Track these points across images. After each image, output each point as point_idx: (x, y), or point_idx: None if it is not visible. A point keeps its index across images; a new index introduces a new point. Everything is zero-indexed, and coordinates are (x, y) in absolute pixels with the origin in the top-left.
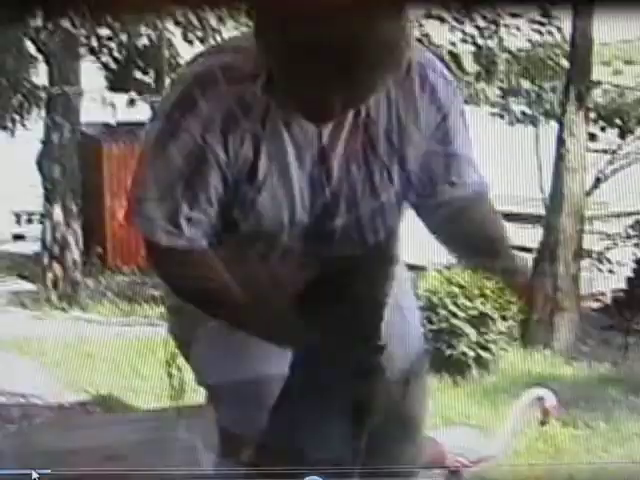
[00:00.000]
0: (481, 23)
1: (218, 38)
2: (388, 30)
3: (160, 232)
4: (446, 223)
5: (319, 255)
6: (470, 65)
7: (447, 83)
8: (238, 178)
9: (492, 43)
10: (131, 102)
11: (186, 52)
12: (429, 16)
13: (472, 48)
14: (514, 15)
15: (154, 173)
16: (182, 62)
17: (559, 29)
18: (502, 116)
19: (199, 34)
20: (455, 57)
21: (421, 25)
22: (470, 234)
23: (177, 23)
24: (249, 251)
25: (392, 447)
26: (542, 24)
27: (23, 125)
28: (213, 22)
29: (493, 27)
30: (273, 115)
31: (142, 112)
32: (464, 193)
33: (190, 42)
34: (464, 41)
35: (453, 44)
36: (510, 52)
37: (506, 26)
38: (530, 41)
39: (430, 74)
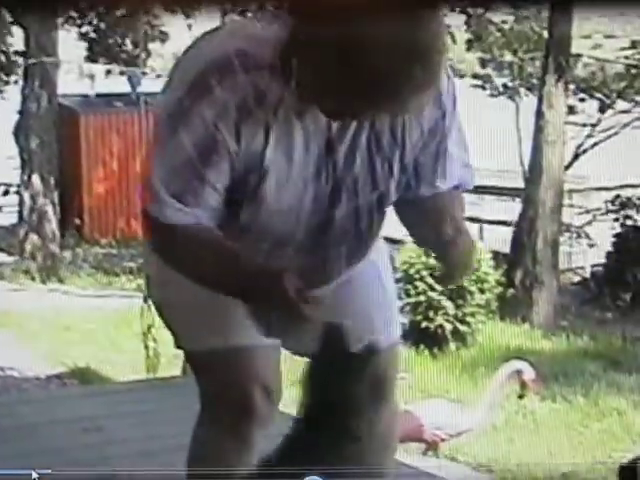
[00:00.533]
0: None
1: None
2: (425, 41)
3: (167, 209)
4: (419, 215)
5: (316, 244)
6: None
7: (449, 82)
8: (246, 166)
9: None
10: (108, 72)
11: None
12: None
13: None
14: None
15: (165, 156)
16: (162, 32)
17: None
18: (484, 88)
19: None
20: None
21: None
22: (435, 228)
23: None
24: (251, 237)
25: (366, 414)
26: None
27: (0, 95)
28: None
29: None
30: (286, 105)
31: (119, 83)
32: (444, 189)
33: (173, 12)
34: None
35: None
36: (493, 23)
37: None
38: (513, 13)
39: (444, 79)
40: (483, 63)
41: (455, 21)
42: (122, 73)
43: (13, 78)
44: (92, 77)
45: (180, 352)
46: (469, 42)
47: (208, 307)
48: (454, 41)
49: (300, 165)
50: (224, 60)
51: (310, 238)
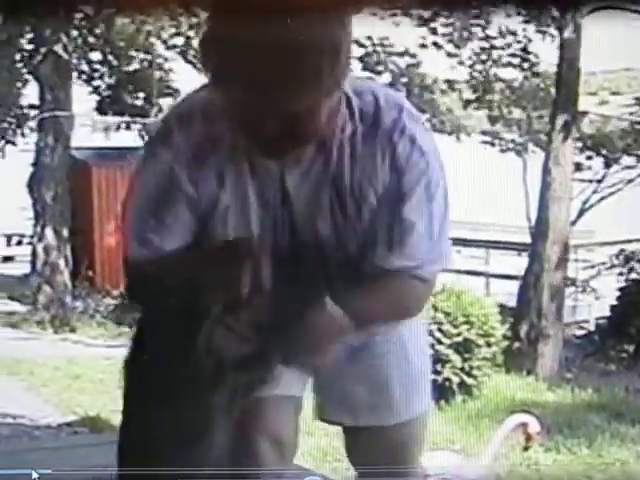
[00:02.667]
0: (476, 49)
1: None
2: (319, 53)
3: (133, 245)
4: (369, 289)
5: (285, 288)
6: (465, 93)
7: (417, 154)
8: (204, 210)
9: (486, 70)
10: (120, 126)
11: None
12: (423, 46)
13: (467, 76)
14: (508, 46)
15: (132, 196)
16: (174, 86)
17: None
18: (492, 144)
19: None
20: (451, 83)
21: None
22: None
23: (168, 47)
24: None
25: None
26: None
27: (14, 145)
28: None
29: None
30: (239, 153)
31: (132, 136)
32: (397, 265)
33: (192, 63)
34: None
35: (452, 68)
36: (502, 81)
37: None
38: (522, 69)
39: (398, 139)
40: (491, 119)
41: (461, 77)
42: (129, 127)
43: (27, 131)
44: (106, 129)
45: None
46: (477, 100)
47: None
48: (461, 98)
49: (256, 212)
50: (186, 109)
51: (277, 286)
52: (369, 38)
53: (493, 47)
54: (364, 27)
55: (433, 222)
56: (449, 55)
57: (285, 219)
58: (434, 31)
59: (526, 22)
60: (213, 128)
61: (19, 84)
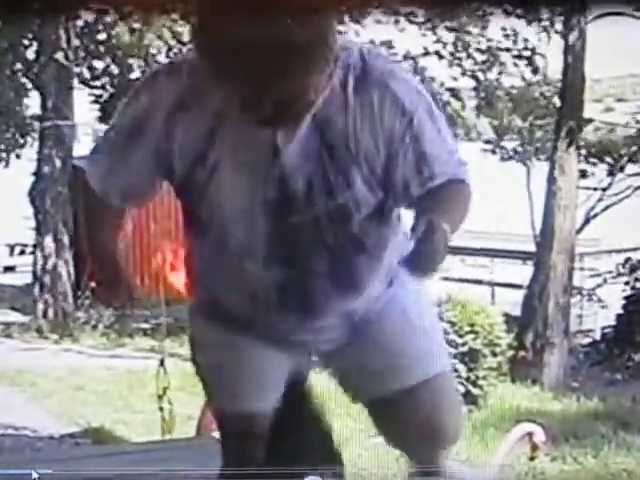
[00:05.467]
0: (479, 58)
1: None
2: (310, 30)
3: (91, 176)
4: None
5: (282, 254)
6: (468, 100)
7: (409, 89)
8: (187, 160)
9: (490, 78)
10: None
11: None
12: (426, 53)
13: (471, 83)
14: (508, 50)
15: (106, 129)
16: None
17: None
18: (494, 152)
19: None
20: (453, 91)
21: (416, 60)
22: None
23: (169, 55)
24: (208, 245)
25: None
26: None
27: (17, 157)
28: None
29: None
30: (230, 117)
31: None
32: (435, 184)
33: None
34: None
35: (454, 79)
36: (503, 89)
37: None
38: (524, 79)
39: (391, 82)
40: (495, 128)
41: (465, 84)
42: None
43: (29, 140)
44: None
45: (194, 414)
46: (478, 108)
47: (242, 371)
48: (463, 107)
49: (248, 168)
50: (174, 63)
51: (274, 248)
52: (371, 42)
53: (496, 54)
54: (368, 31)
55: (446, 137)
56: (451, 63)
57: (276, 174)
58: (438, 39)
59: (530, 27)
60: (201, 88)
61: (22, 93)
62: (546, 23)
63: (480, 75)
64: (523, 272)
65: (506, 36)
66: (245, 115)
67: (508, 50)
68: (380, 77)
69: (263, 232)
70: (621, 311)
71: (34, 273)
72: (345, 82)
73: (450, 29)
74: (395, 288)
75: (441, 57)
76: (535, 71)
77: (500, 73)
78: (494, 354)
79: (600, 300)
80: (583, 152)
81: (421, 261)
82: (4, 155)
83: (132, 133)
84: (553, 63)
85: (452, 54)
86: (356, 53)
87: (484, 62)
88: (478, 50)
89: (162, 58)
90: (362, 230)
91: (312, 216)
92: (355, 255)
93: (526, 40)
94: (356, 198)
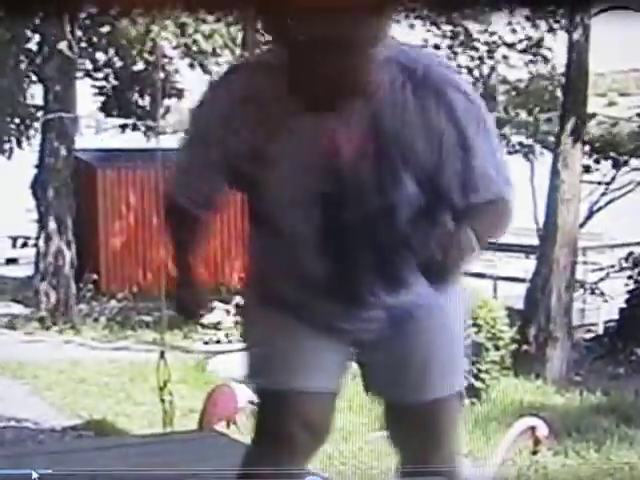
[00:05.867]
0: (478, 53)
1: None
2: (365, 29)
3: (173, 195)
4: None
5: (332, 246)
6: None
7: (466, 101)
8: (249, 160)
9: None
10: (125, 127)
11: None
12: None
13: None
14: (510, 46)
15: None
16: (178, 86)
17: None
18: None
19: (200, 58)
20: None
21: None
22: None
23: (173, 47)
24: (266, 234)
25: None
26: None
27: (20, 148)
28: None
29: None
30: (290, 108)
31: (136, 138)
32: (478, 200)
33: (191, 66)
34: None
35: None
36: (508, 83)
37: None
38: (529, 72)
39: (449, 91)
40: (498, 122)
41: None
42: (137, 128)
43: (32, 132)
44: (108, 131)
45: (195, 406)
46: (486, 101)
47: (282, 350)
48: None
49: (307, 164)
50: (228, 68)
51: (326, 240)
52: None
53: (501, 47)
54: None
55: (496, 155)
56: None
57: (333, 171)
58: (443, 33)
59: (534, 23)
60: (257, 81)
61: (24, 85)
62: (550, 18)
63: (483, 69)
64: (526, 266)
65: (513, 31)
66: (303, 104)
67: (512, 45)
68: (439, 85)
69: (317, 225)
70: (624, 305)
71: (36, 265)
72: (404, 85)
73: (453, 23)
74: (441, 298)
75: (438, 49)
76: (539, 65)
77: (497, 68)
78: (497, 348)
79: (603, 294)
80: (587, 146)
81: (433, 269)
82: (7, 147)
83: (202, 146)
84: (557, 57)
85: (450, 47)
86: (419, 58)
87: (488, 56)
88: (481, 43)
89: (166, 50)
90: (409, 230)
91: (363, 213)
92: (401, 253)
93: (529, 37)
94: (405, 199)
